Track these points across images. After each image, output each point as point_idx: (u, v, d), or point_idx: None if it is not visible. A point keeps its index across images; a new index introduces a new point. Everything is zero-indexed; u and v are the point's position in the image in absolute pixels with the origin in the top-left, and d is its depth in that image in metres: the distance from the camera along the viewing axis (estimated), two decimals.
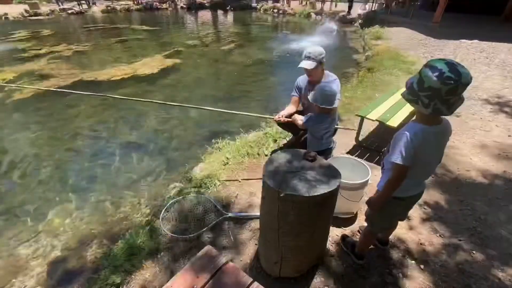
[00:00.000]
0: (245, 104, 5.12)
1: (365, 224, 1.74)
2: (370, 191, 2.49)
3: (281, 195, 1.35)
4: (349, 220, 2.19)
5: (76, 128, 4.29)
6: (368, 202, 1.54)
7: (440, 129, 1.27)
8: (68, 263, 2.25)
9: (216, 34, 12.18)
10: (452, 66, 1.09)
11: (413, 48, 7.57)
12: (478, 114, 3.88)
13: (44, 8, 15.94)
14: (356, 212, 2.26)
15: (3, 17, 14.17)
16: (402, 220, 1.80)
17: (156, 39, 10.84)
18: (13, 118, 4.58)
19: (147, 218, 2.41)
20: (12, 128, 4.28)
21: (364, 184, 2.02)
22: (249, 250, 2.00)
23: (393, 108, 3.04)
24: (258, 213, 2.24)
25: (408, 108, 2.94)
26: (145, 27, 13.15)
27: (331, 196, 1.44)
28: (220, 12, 19.92)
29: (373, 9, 14.47)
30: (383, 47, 7.54)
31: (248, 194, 2.55)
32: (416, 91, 1.17)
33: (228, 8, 20.62)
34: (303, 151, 1.65)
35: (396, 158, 1.26)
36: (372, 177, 2.64)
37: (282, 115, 2.53)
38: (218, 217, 2.27)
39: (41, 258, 2.31)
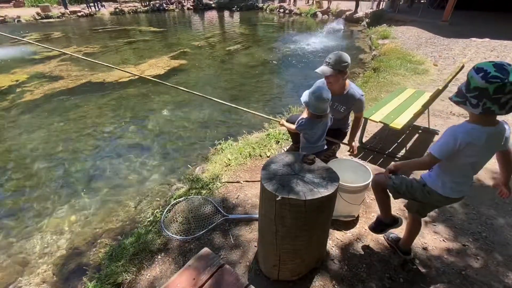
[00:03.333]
0: (248, 104, 5.13)
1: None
2: (372, 194, 2.46)
3: (278, 198, 1.35)
4: (350, 223, 2.17)
5: (83, 129, 4.37)
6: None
7: (495, 130, 1.24)
8: (73, 261, 2.29)
9: (222, 34, 12.24)
10: (500, 66, 1.10)
11: (421, 47, 7.44)
12: None
13: (55, 11, 16.31)
14: (358, 216, 2.24)
15: (15, 20, 14.57)
16: (421, 216, 1.73)
17: (163, 41, 10.96)
18: (24, 118, 4.70)
19: (149, 219, 2.43)
20: (22, 128, 4.40)
21: (365, 187, 1.99)
22: (249, 252, 2.00)
23: (397, 110, 2.99)
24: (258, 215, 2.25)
25: (413, 110, 2.89)
26: (152, 29, 13.33)
27: (329, 200, 1.43)
28: (226, 12, 19.99)
29: (380, 7, 14.26)
30: (390, 46, 7.43)
31: (250, 196, 2.55)
32: (464, 93, 1.20)
33: (234, 8, 20.68)
34: (302, 153, 1.64)
35: (434, 149, 1.32)
36: None
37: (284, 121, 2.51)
38: (218, 218, 2.28)
39: (47, 256, 2.37)
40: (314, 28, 13.38)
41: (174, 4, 21.18)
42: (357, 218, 2.21)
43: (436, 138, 3.31)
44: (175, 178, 3.23)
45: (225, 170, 2.91)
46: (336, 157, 2.73)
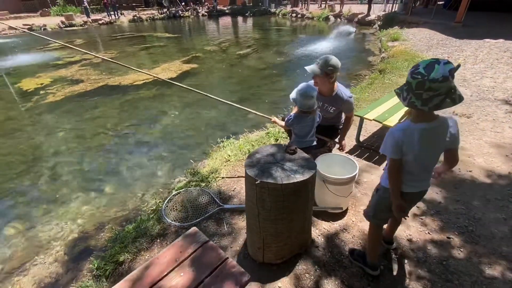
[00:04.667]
0: (255, 106, 5.30)
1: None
2: (364, 188, 2.54)
3: (257, 182, 1.49)
4: (338, 215, 2.26)
5: (98, 127, 4.70)
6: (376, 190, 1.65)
7: (430, 126, 1.28)
8: (82, 244, 2.52)
9: (234, 39, 12.56)
10: (431, 64, 1.14)
11: (431, 49, 7.34)
12: (492, 115, 3.73)
13: (78, 20, 17.35)
14: (347, 209, 2.32)
15: (42, 28, 15.65)
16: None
17: (177, 46, 11.42)
18: (46, 118, 5.11)
19: (152, 208, 2.63)
20: (44, 127, 4.79)
21: (351, 179, 2.08)
22: (240, 238, 2.14)
23: (393, 109, 3.05)
24: None
25: (406, 109, 2.94)
26: (167, 35, 13.90)
27: (305, 185, 1.55)
28: (239, 18, 20.44)
29: (393, 10, 14.11)
30: (399, 48, 7.39)
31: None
32: (402, 86, 1.27)
33: (247, 14, 21.11)
34: (284, 144, 1.77)
35: (383, 150, 1.41)
36: (368, 175, 2.71)
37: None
38: (214, 208, 2.44)
39: (60, 239, 2.62)
40: (325, 32, 13.46)
41: (189, 10, 21.91)
42: (345, 211, 2.30)
43: None
44: (179, 172, 3.43)
45: (225, 165, 3.07)
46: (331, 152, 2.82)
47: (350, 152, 3.13)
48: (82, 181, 3.44)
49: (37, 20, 17.08)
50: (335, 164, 2.29)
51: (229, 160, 3.15)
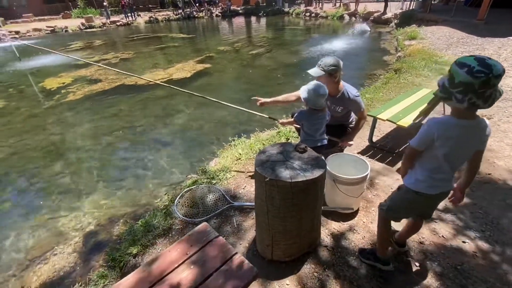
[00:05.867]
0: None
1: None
2: (376, 190, 2.50)
3: (266, 179, 1.51)
4: (349, 216, 2.24)
5: (115, 125, 4.87)
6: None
7: (470, 124, 1.24)
8: (99, 236, 2.64)
9: (247, 39, 12.62)
10: (481, 60, 1.11)
11: (451, 47, 7.09)
12: None
13: (97, 21, 17.98)
14: (358, 209, 2.29)
15: (63, 30, 16.33)
16: (424, 218, 1.73)
17: (191, 46, 11.62)
18: (66, 116, 5.35)
19: (165, 203, 2.70)
20: (65, 124, 5.01)
21: (363, 179, 2.06)
22: (249, 236, 2.17)
23: (408, 109, 2.98)
24: None
25: (421, 109, 2.86)
26: (182, 35, 14.15)
27: (315, 183, 1.55)
28: (253, 18, 20.50)
29: (410, 7, 13.70)
30: (417, 47, 7.18)
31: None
32: (448, 88, 1.19)
33: (260, 14, 21.14)
34: (294, 143, 1.78)
35: (412, 140, 1.39)
36: (380, 177, 2.67)
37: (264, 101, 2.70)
38: (224, 205, 2.48)
39: (78, 231, 2.74)
40: (339, 31, 13.27)
41: (203, 11, 22.20)
42: (356, 212, 2.27)
43: None
44: (190, 169, 3.50)
45: (235, 163, 3.11)
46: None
47: (362, 152, 3.09)
48: (99, 176, 3.58)
49: (59, 22, 17.85)
50: (346, 164, 2.27)
51: (239, 159, 3.18)
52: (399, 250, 1.91)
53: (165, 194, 3.02)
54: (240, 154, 3.23)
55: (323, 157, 1.69)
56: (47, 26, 16.27)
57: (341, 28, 13.92)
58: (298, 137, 3.47)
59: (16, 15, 18.35)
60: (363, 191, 2.20)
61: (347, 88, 2.52)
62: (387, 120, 2.80)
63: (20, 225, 2.87)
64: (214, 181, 2.83)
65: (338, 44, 9.93)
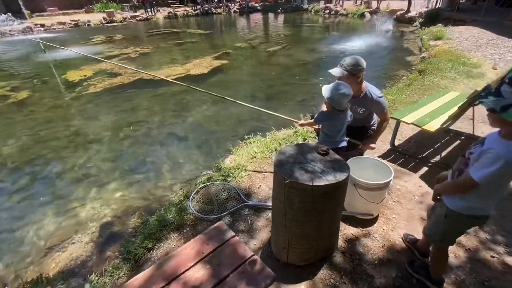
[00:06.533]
0: (282, 104, 5.25)
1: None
2: (397, 196, 2.40)
3: (286, 181, 1.46)
4: (368, 222, 2.16)
5: (132, 118, 4.95)
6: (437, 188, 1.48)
7: None
8: (115, 227, 2.68)
9: (264, 36, 12.51)
10: None
11: (480, 49, 6.72)
12: None
13: (119, 16, 18.38)
14: (377, 216, 2.21)
15: (86, 24, 16.81)
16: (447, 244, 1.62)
17: (208, 42, 11.65)
18: (87, 108, 5.49)
19: (179, 198, 2.71)
20: (85, 116, 5.15)
21: (385, 185, 1.97)
22: (263, 236, 2.13)
23: (434, 113, 2.83)
24: None
25: (450, 113, 2.71)
26: (199, 31, 14.21)
27: (337, 188, 1.49)
28: (271, 14, 20.31)
29: (436, 6, 13.10)
30: (443, 48, 6.85)
31: (271, 187, 2.66)
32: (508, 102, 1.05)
33: (279, 10, 20.90)
34: (315, 144, 1.72)
35: (477, 175, 1.17)
36: (401, 182, 2.55)
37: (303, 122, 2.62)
38: (239, 203, 2.45)
39: (95, 221, 2.80)
40: (360, 29, 12.91)
41: (222, 7, 22.21)
42: (376, 218, 2.19)
43: None
44: (206, 166, 3.50)
45: (251, 162, 3.07)
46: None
47: (383, 156, 2.98)
48: (116, 168, 3.65)
49: (82, 16, 18.38)
50: (368, 168, 2.18)
51: (255, 157, 3.14)
52: (423, 260, 1.81)
53: (180, 189, 3.03)
54: (255, 152, 3.20)
55: (345, 161, 1.62)
56: (71, 20, 16.80)
57: (361, 27, 13.53)
58: (315, 138, 3.39)
59: (42, 8, 19.06)
60: (384, 197, 2.11)
61: (370, 88, 2.43)
62: (412, 124, 2.67)
63: (42, 212, 2.97)
64: (229, 179, 2.81)
65: (358, 43, 9.65)
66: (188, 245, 1.49)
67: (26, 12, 16.11)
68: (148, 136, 4.41)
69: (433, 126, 2.56)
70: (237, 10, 22.17)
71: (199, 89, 3.60)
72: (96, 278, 1.99)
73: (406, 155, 2.95)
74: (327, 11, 18.38)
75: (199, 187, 2.73)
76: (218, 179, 2.82)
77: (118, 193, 3.21)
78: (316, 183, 1.42)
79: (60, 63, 8.85)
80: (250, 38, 11.96)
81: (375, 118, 2.61)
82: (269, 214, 2.34)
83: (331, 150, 1.68)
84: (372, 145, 2.49)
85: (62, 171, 3.65)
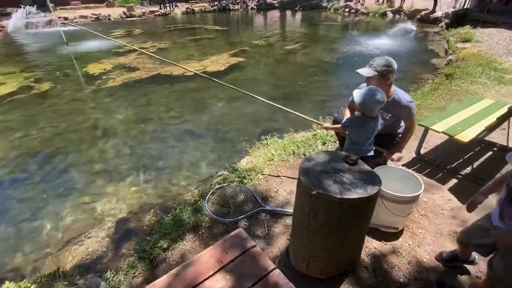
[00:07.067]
0: (300, 104, 5.12)
1: None
2: (423, 209, 2.26)
3: (313, 192, 1.37)
4: (392, 235, 2.04)
5: (149, 114, 4.98)
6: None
7: None
8: (130, 224, 2.68)
9: (282, 34, 12.33)
10: None
11: None
12: None
13: (138, 11, 18.64)
14: (402, 229, 2.09)
15: (106, 18, 17.14)
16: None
17: (225, 39, 11.60)
18: (106, 101, 5.57)
19: (195, 198, 2.67)
20: (104, 109, 5.23)
21: (414, 198, 1.85)
22: (281, 243, 2.06)
23: (467, 121, 2.65)
24: None
25: (487, 123, 2.52)
26: (216, 27, 14.19)
27: (367, 203, 1.39)
28: (288, 12, 20.02)
29: (464, 6, 12.47)
30: (471, 51, 6.49)
31: (288, 192, 2.59)
32: None
33: (297, 8, 20.58)
34: (344, 153, 1.62)
35: None
36: (428, 195, 2.41)
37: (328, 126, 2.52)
38: (256, 207, 2.39)
39: (112, 216, 2.82)
40: (381, 29, 12.49)
41: (239, 4, 22.10)
42: (400, 231, 2.07)
43: None
44: (221, 165, 3.46)
45: (268, 164, 3.00)
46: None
47: (408, 165, 2.83)
48: (132, 163, 3.67)
49: (103, 10, 18.76)
50: (395, 178, 2.06)
51: (272, 160, 3.07)
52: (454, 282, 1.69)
53: (196, 188, 3.00)
54: (273, 155, 3.12)
55: (376, 173, 1.51)
56: (92, 14, 17.18)
57: (382, 26, 13.09)
58: (335, 142, 3.28)
59: (65, 2, 19.60)
60: (412, 211, 1.99)
61: (400, 93, 2.31)
62: (443, 132, 2.51)
63: (59, 204, 3.02)
64: (245, 181, 2.75)
65: (380, 43, 9.33)
66: (207, 252, 1.44)
67: (50, 5, 16.60)
68: (163, 132, 4.41)
69: (466, 136, 2.39)
70: (255, 7, 21.99)
71: (229, 85, 3.48)
72: (112, 275, 1.99)
73: (433, 165, 2.79)
74: (347, 10, 17.90)
75: (215, 188, 2.68)
76: (234, 181, 2.76)
77: (134, 188, 3.22)
78: (345, 196, 1.33)
79: (81, 56, 9.05)
80: (267, 35, 11.82)
81: (403, 125, 2.48)
82: (287, 220, 2.26)
83: (360, 160, 1.57)
84: (399, 155, 2.36)
85: (79, 164, 3.70)
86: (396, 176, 2.08)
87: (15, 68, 7.76)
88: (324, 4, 20.55)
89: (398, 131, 2.50)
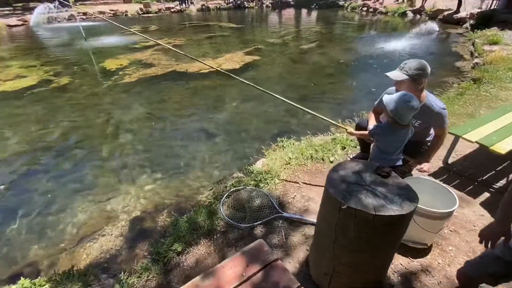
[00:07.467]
0: (316, 106, 4.97)
1: None
2: (453, 224, 2.11)
3: (343, 207, 1.27)
4: (420, 252, 1.91)
5: (163, 111, 4.97)
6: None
7: None
8: (144, 223, 2.65)
9: (297, 32, 12.14)
10: None
11: None
12: None
13: (154, 7, 18.82)
14: (431, 245, 1.95)
15: (124, 14, 17.38)
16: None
17: (239, 36, 11.52)
18: (121, 97, 5.60)
19: (210, 200, 2.61)
20: (119, 105, 5.25)
21: (448, 215, 1.71)
22: (299, 254, 1.96)
23: (503, 131, 2.46)
24: (314, 220, 2.18)
25: None
26: (231, 25, 14.12)
27: (403, 220, 1.28)
28: (304, 10, 19.74)
29: (491, 7, 11.89)
30: (500, 54, 6.15)
31: (306, 198, 2.49)
32: None
33: (313, 6, 20.25)
34: (376, 164, 1.51)
35: None
36: (459, 209, 2.25)
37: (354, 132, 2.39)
38: (273, 214, 2.30)
39: (125, 214, 2.80)
40: (400, 29, 12.10)
41: (254, 1, 21.95)
42: (429, 248, 1.93)
43: None
44: (236, 167, 3.39)
45: (284, 168, 2.90)
46: (411, 175, 2.43)
47: (434, 175, 2.66)
48: (146, 161, 3.65)
49: (120, 6, 19.02)
50: (425, 190, 1.91)
51: (289, 163, 2.96)
52: None
53: (210, 189, 2.95)
54: (289, 158, 3.01)
55: (411, 187, 1.39)
56: (110, 10, 17.45)
57: (402, 26, 12.66)
58: (355, 147, 3.14)
59: None
60: (443, 227, 1.85)
61: (431, 98, 2.16)
62: (477, 142, 2.33)
63: (75, 199, 3.02)
64: (261, 185, 2.66)
65: (400, 44, 9.01)
66: (226, 264, 1.36)
67: (70, 0, 16.98)
68: (177, 130, 4.38)
69: (503, 147, 2.21)
70: (270, 5, 21.80)
71: (253, 85, 3.40)
72: (125, 277, 1.95)
73: (463, 176, 2.61)
74: (364, 9, 17.46)
75: (230, 191, 2.61)
76: (249, 184, 2.68)
77: (148, 186, 3.19)
78: (379, 213, 1.22)
79: (99, 51, 9.18)
80: (283, 34, 11.65)
81: (432, 133, 2.33)
82: (305, 229, 2.17)
83: (393, 172, 1.46)
84: (427, 165, 2.22)
85: (94, 159, 3.72)
86: (426, 188, 1.93)
87: (36, 61, 7.94)
88: (341, 2, 20.11)
89: (427, 139, 2.35)
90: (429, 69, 2.03)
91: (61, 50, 9.34)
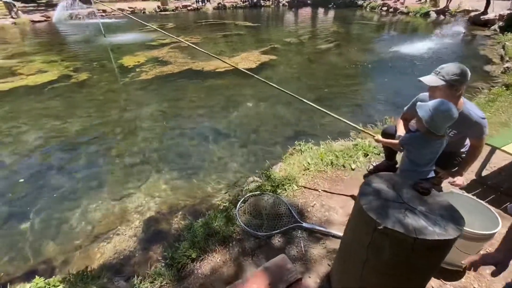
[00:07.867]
0: (334, 109, 4.81)
1: None
2: (489, 245, 1.94)
3: (380, 227, 1.15)
4: (454, 273, 1.75)
5: (178, 109, 4.94)
6: None
7: None
8: (158, 225, 2.61)
9: (314, 32, 11.91)
10: None
11: None
12: None
13: (171, 5, 19.00)
14: (465, 267, 1.78)
15: (142, 12, 17.65)
16: None
17: (255, 35, 11.42)
18: (137, 94, 5.63)
19: (225, 204, 2.53)
20: (135, 102, 5.27)
21: (490, 236, 1.55)
22: (320, 268, 1.85)
23: None
24: (337, 232, 2.06)
25: None
26: (247, 23, 14.04)
27: (447, 246, 1.14)
28: (321, 9, 19.40)
29: None
30: None
31: (327, 208, 2.36)
32: None
33: (330, 5, 19.88)
34: (413, 179, 1.37)
35: None
36: None
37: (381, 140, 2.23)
38: (291, 223, 2.19)
39: (139, 214, 2.77)
40: (423, 30, 11.65)
41: (271, 0, 21.78)
42: (463, 270, 1.77)
43: None
44: (251, 169, 3.30)
45: (303, 174, 2.78)
46: (441, 188, 2.26)
47: (466, 189, 2.47)
48: (160, 159, 3.62)
49: (139, 4, 19.34)
50: (460, 207, 1.74)
51: (308, 169, 2.84)
52: None
53: (225, 193, 2.88)
54: (308, 164, 2.89)
55: (455, 207, 1.25)
56: (129, 7, 17.77)
57: (424, 27, 12.18)
58: (379, 154, 2.98)
59: None
60: (481, 248, 1.68)
61: (470, 106, 1.98)
62: None
63: (90, 197, 3.02)
64: (279, 190, 2.56)
65: (423, 45, 8.64)
66: (248, 280, 1.27)
67: None
68: (192, 129, 4.33)
69: None
70: (286, 4, 21.57)
71: (273, 84, 3.29)
72: (138, 282, 1.89)
73: (498, 191, 2.41)
74: (384, 8, 16.95)
75: (246, 196, 2.52)
76: (267, 189, 2.58)
77: (162, 186, 3.15)
78: (421, 236, 1.09)
79: (117, 47, 9.32)
80: (300, 33, 11.46)
81: (467, 143, 2.15)
82: (326, 241, 2.05)
83: (434, 190, 1.32)
84: (461, 179, 2.04)
85: (110, 156, 3.72)
86: (462, 204, 1.76)
87: (57, 56, 8.15)
88: (360, 2, 19.63)
89: (462, 150, 2.17)
90: (469, 74, 1.86)
91: (81, 46, 9.55)
